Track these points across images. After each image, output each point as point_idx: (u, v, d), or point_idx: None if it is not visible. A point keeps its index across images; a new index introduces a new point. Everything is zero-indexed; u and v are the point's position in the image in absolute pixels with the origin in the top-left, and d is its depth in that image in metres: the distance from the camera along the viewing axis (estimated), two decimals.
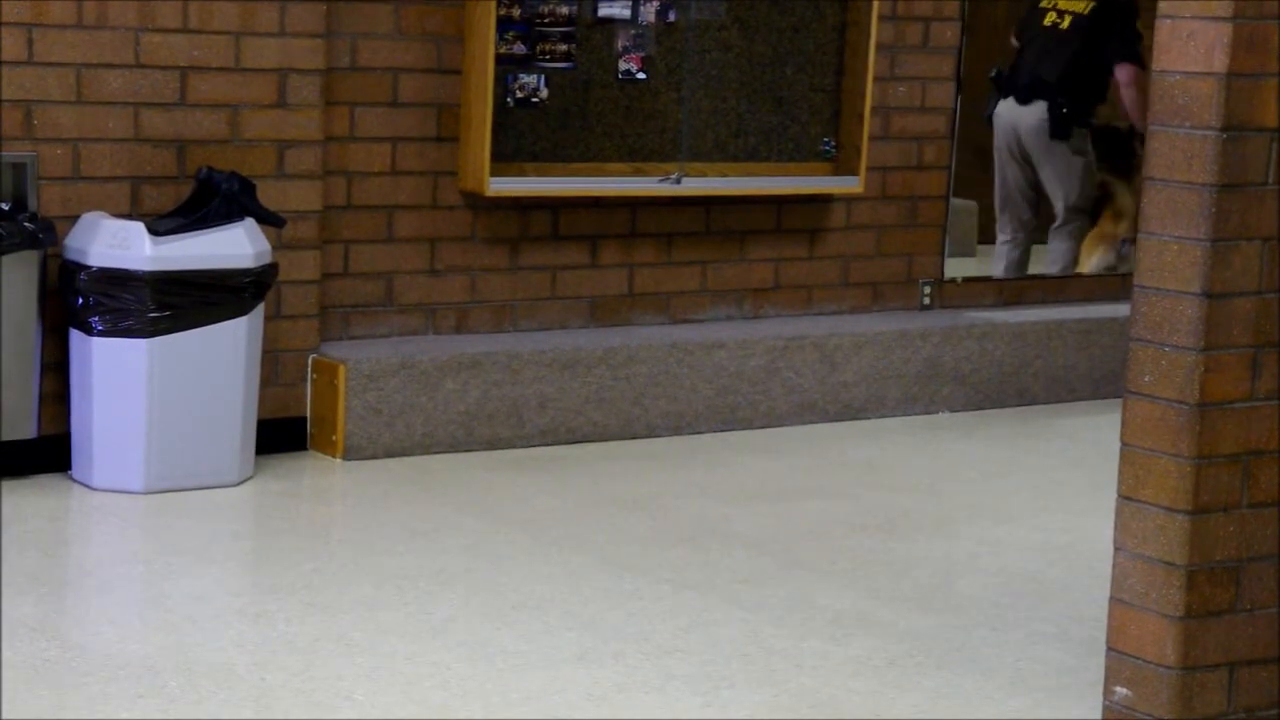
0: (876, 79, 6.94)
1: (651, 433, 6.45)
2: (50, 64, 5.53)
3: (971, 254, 7.85)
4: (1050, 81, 7.57)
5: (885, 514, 5.68)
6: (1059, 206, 7.76)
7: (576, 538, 5.28)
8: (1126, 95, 7.56)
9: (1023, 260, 7.76)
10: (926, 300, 7.31)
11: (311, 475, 5.85)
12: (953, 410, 7.07)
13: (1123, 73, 7.54)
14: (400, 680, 4.14)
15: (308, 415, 6.03)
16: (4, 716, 3.84)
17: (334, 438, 5.94)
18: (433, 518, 5.41)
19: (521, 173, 6.30)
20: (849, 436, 6.65)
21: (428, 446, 6.07)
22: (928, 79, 7.19)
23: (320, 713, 3.95)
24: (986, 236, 7.99)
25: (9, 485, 5.47)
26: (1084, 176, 7.73)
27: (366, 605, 4.63)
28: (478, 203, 6.33)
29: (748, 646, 4.45)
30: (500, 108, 6.22)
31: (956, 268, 7.45)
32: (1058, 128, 7.58)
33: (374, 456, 5.98)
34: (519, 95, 6.28)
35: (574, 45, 6.34)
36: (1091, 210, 7.83)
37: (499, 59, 6.19)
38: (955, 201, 7.48)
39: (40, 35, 5.51)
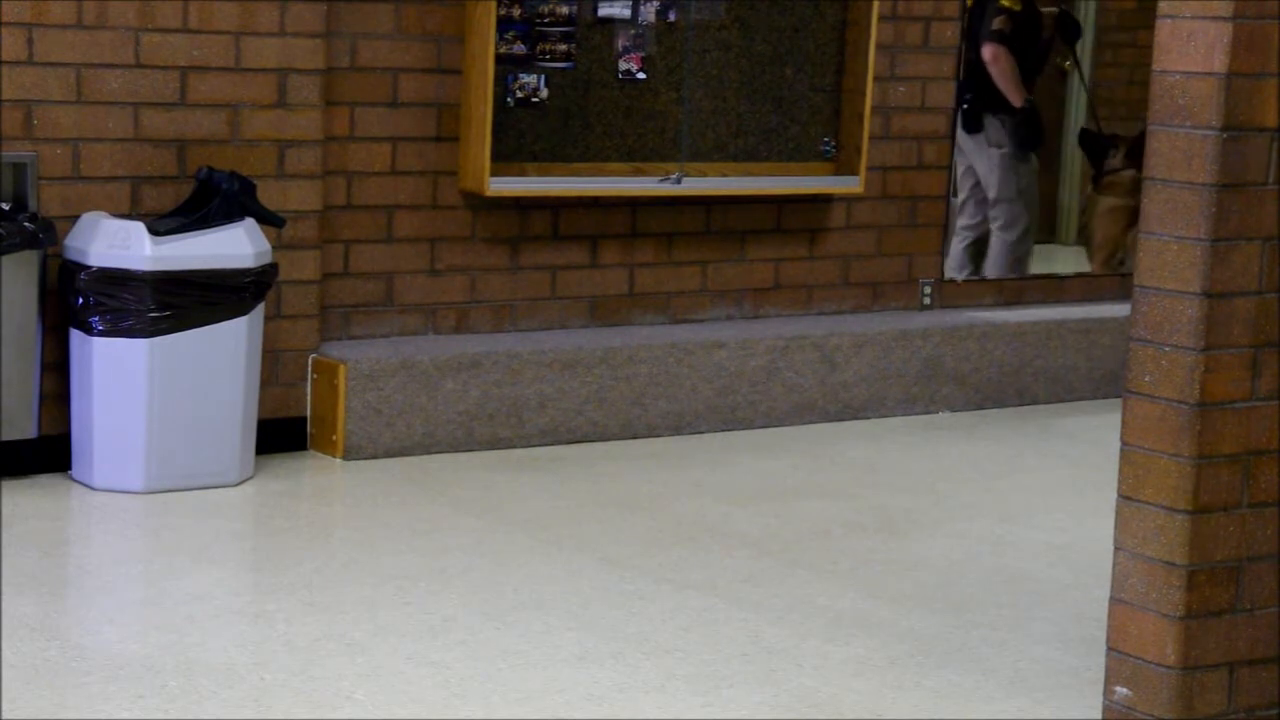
0: (876, 79, 6.94)
1: (651, 433, 6.45)
2: (50, 64, 5.53)
3: None
4: (961, 79, 7.57)
5: (885, 514, 5.68)
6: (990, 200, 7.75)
7: (576, 538, 5.27)
8: (992, 73, 7.55)
9: (975, 257, 7.72)
10: (927, 300, 7.31)
11: (311, 475, 5.85)
12: (953, 410, 7.07)
13: (984, 51, 7.54)
14: (400, 680, 4.14)
15: (308, 415, 6.03)
16: (4, 717, 3.84)
17: (334, 438, 5.94)
18: (433, 518, 5.41)
19: (522, 173, 6.30)
20: (849, 436, 6.65)
21: (428, 446, 6.06)
22: (928, 79, 7.19)
23: (320, 713, 3.95)
24: None
25: (9, 485, 5.47)
26: (1002, 169, 7.70)
27: (366, 605, 4.63)
28: (478, 203, 6.33)
29: (748, 646, 4.45)
30: (500, 108, 6.22)
31: (957, 267, 7.46)
32: (966, 122, 7.56)
33: (374, 456, 5.98)
34: (519, 95, 6.28)
35: (574, 45, 6.34)
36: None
37: (499, 59, 6.19)
38: (955, 201, 7.48)
39: (40, 35, 5.51)
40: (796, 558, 5.18)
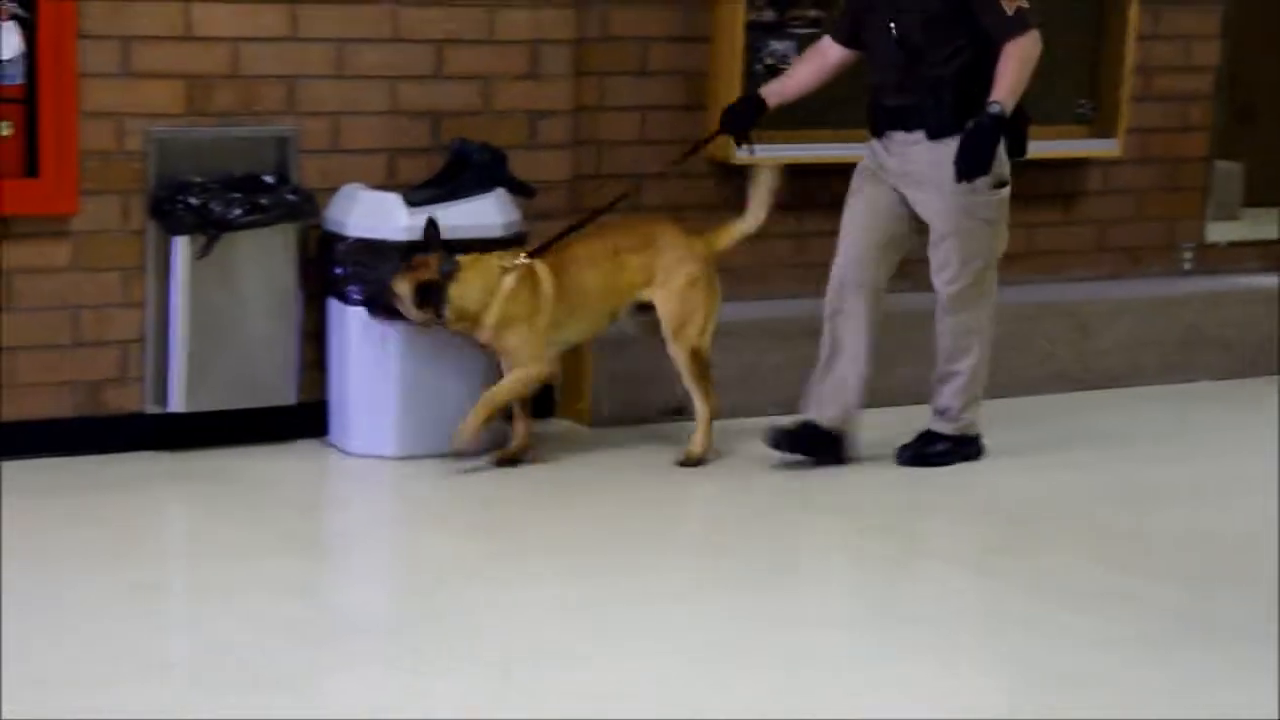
0: (1139, 38, 6.75)
1: None
2: (312, 39, 5.67)
3: (1236, 217, 7.59)
4: None
5: (1136, 486, 5.56)
6: None
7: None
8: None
9: None
10: (1187, 265, 7.11)
11: (558, 442, 5.89)
12: (1214, 379, 6.85)
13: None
14: (651, 648, 4.17)
15: (556, 384, 6.09)
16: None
17: (580, 406, 6.01)
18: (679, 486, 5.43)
19: (772, 140, 6.25)
20: (1103, 405, 6.49)
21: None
22: (1192, 37, 6.98)
23: (565, 674, 4.00)
24: (1252, 199, 7.74)
25: (268, 450, 5.58)
26: None
27: (623, 571, 4.66)
28: (726, 171, 6.32)
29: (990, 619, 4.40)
30: (749, 75, 6.20)
31: (1220, 232, 7.23)
32: None
33: (622, 423, 6.00)
34: (768, 63, 6.25)
35: (825, 10, 6.29)
36: None
37: (748, 26, 6.17)
38: (1219, 164, 7.25)
39: (303, 11, 5.65)
40: (1041, 529, 5.11)
